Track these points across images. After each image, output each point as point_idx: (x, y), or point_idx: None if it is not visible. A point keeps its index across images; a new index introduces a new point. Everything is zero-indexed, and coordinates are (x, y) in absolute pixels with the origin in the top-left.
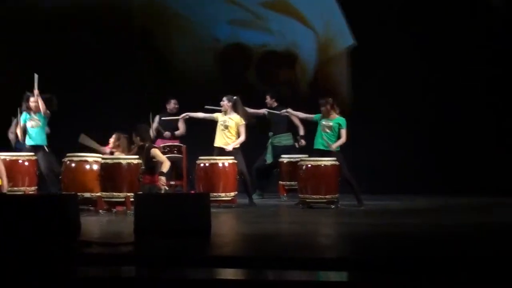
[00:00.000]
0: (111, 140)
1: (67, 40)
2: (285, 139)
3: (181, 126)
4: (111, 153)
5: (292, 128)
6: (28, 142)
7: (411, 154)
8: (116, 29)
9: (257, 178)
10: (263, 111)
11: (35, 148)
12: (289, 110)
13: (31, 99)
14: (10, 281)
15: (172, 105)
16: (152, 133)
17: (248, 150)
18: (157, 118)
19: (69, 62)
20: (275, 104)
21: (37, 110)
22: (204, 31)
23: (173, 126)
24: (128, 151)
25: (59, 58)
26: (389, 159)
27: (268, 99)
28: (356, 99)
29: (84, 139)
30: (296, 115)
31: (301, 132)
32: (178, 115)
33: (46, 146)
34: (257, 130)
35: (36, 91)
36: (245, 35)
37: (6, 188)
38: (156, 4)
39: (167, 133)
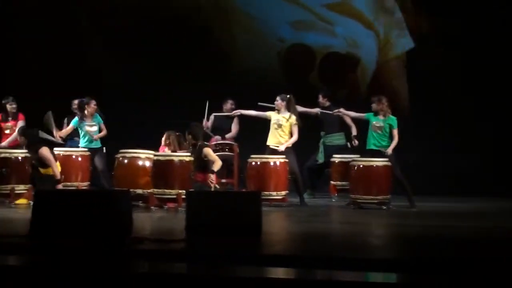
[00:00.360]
0: (163, 138)
1: (127, 38)
2: (337, 138)
3: (234, 128)
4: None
5: (345, 128)
6: (87, 146)
7: (466, 156)
8: (176, 25)
9: (309, 177)
10: (316, 110)
11: (94, 150)
12: (341, 109)
13: (91, 104)
14: (63, 276)
15: (228, 105)
16: (207, 131)
17: (300, 150)
18: (212, 117)
19: (127, 59)
20: (328, 103)
21: (93, 114)
22: (267, 30)
23: (227, 125)
24: (179, 148)
25: (117, 56)
26: (443, 161)
27: (321, 99)
28: (414, 102)
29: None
30: (348, 115)
31: (354, 132)
32: (229, 119)
33: (103, 147)
34: (308, 130)
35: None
36: (308, 36)
37: (58, 175)
38: (220, 2)
39: (217, 137)
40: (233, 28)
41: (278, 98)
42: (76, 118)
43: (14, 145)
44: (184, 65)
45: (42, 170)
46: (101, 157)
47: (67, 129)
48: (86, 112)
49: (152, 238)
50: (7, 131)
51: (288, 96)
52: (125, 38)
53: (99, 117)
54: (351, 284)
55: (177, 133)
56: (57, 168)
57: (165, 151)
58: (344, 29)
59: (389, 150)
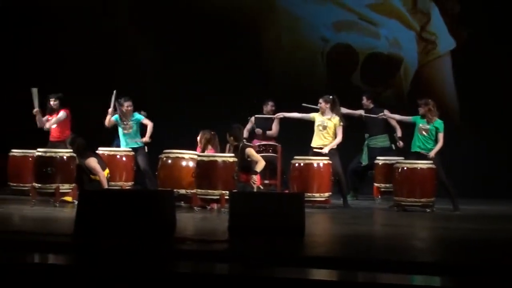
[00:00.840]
0: (198, 138)
1: (169, 38)
2: (381, 140)
3: (275, 128)
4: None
5: (389, 130)
6: (126, 146)
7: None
8: (220, 26)
9: (352, 179)
10: (359, 112)
11: (134, 150)
12: (386, 112)
13: (125, 105)
14: (106, 275)
15: (269, 107)
16: (246, 133)
17: (344, 151)
18: (252, 118)
19: (170, 60)
20: (372, 105)
21: (129, 114)
22: (310, 31)
23: (267, 126)
24: (214, 148)
25: (162, 57)
26: (488, 163)
27: (365, 100)
28: (461, 103)
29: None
30: (393, 118)
31: (398, 133)
32: (269, 119)
33: (145, 146)
34: (352, 131)
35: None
36: (350, 37)
37: (105, 184)
38: (264, 2)
39: (258, 130)
40: (277, 28)
41: (321, 100)
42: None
43: (64, 139)
44: (227, 66)
45: (92, 176)
46: (143, 156)
47: (108, 118)
48: (121, 112)
49: (195, 239)
50: (53, 126)
51: (331, 97)
52: (168, 39)
53: (137, 115)
54: (394, 286)
55: (212, 132)
56: (104, 177)
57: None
58: (386, 29)
59: (432, 154)
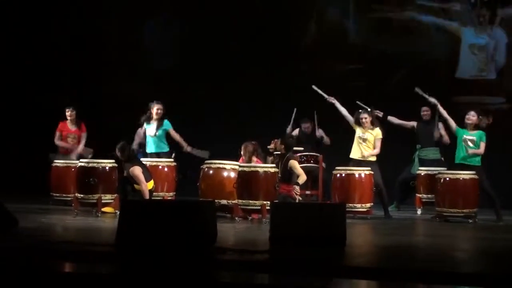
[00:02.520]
0: (242, 151)
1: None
2: (432, 153)
3: (327, 138)
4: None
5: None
6: (155, 150)
7: None
8: (255, 39)
9: (399, 190)
10: (412, 123)
11: (159, 155)
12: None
13: (154, 107)
14: (148, 284)
15: (307, 126)
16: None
17: (393, 161)
18: (298, 130)
19: (211, 72)
20: (429, 117)
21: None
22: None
23: (311, 140)
24: (260, 159)
25: (198, 70)
26: None
27: (424, 112)
28: None
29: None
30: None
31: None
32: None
33: (171, 151)
34: (403, 142)
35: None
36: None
37: (146, 195)
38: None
39: (320, 131)
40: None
41: (363, 115)
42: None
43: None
44: (266, 76)
45: (135, 186)
46: None
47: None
48: (150, 114)
49: (236, 249)
50: (69, 139)
51: (370, 110)
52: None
53: (167, 123)
54: None
55: (253, 142)
56: (146, 187)
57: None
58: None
59: (470, 151)
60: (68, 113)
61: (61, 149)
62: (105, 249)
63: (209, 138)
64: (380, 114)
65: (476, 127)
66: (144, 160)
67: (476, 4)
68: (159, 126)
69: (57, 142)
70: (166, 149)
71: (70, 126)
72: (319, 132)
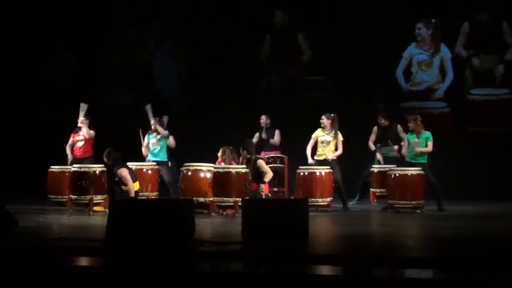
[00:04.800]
0: (219, 153)
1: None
2: (390, 150)
3: (277, 137)
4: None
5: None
6: (152, 159)
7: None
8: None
9: (363, 184)
10: (374, 132)
11: (159, 163)
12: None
13: (152, 121)
14: (135, 275)
15: (264, 120)
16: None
17: (354, 160)
18: (257, 134)
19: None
20: (387, 123)
21: (159, 133)
22: None
23: (270, 136)
24: (234, 161)
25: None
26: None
27: (383, 121)
28: None
29: (147, 110)
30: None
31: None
32: (272, 130)
33: (168, 161)
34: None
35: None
36: None
37: (132, 193)
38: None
39: (264, 135)
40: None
41: (323, 117)
42: (151, 134)
43: (87, 156)
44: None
45: (123, 187)
46: (167, 169)
47: (144, 144)
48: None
49: (213, 241)
50: (79, 144)
51: (332, 115)
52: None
53: (163, 138)
54: (390, 279)
55: (230, 147)
56: (133, 186)
57: (221, 164)
58: None
59: (418, 150)
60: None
61: (73, 154)
62: (96, 244)
63: (189, 143)
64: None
65: (419, 130)
66: (129, 164)
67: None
68: (159, 138)
69: (67, 149)
70: (166, 159)
71: (79, 132)
72: (264, 135)
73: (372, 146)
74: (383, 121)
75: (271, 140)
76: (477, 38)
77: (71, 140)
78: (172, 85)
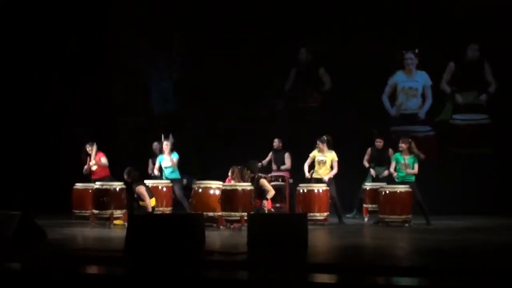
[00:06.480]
0: (229, 172)
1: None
2: (383, 170)
3: (287, 161)
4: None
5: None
6: (168, 177)
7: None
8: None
9: (360, 199)
10: (368, 153)
11: (173, 181)
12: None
13: (165, 142)
14: (152, 281)
15: (276, 143)
16: (260, 164)
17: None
18: (270, 153)
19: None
20: (381, 146)
21: (167, 152)
22: None
23: (281, 160)
24: (242, 180)
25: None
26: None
27: (378, 142)
28: None
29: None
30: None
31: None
32: (281, 153)
33: (182, 179)
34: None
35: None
36: None
37: (149, 208)
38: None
39: (274, 167)
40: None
41: (318, 141)
42: (161, 156)
43: (104, 176)
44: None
45: (140, 203)
46: (180, 186)
47: (156, 166)
48: (162, 150)
49: (221, 251)
50: (94, 168)
51: (326, 138)
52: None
53: (176, 154)
54: (381, 287)
55: (238, 167)
56: (149, 202)
57: (231, 182)
58: None
59: (409, 171)
60: (88, 149)
61: (93, 176)
62: (116, 254)
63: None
64: (374, 173)
65: (408, 152)
66: (146, 181)
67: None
68: (171, 158)
69: (85, 170)
70: (178, 176)
71: (92, 157)
72: (264, 163)
73: (366, 164)
74: (379, 144)
75: (282, 167)
76: (461, 76)
77: (86, 167)
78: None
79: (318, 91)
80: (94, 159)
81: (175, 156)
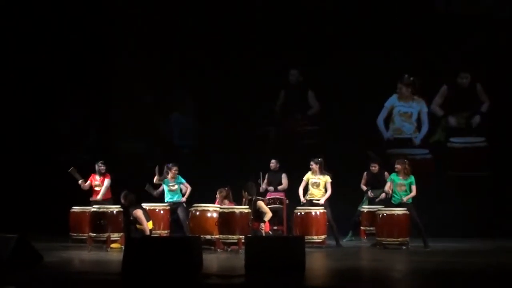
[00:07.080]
0: (217, 195)
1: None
2: (380, 193)
3: (284, 181)
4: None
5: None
6: (171, 200)
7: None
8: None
9: (356, 222)
10: (364, 178)
11: (176, 204)
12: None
13: (172, 169)
14: None
15: (273, 164)
16: (261, 188)
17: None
18: (267, 175)
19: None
20: (376, 171)
21: (174, 177)
22: None
23: (277, 180)
24: (227, 201)
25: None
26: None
27: (373, 167)
28: None
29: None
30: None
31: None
32: (278, 174)
33: (184, 202)
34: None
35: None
36: None
37: (147, 232)
38: None
39: (270, 188)
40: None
41: (312, 162)
42: (167, 179)
43: (106, 198)
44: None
45: (138, 226)
46: (183, 210)
47: (159, 191)
48: (169, 175)
49: (218, 274)
50: (97, 188)
51: (320, 159)
52: None
53: (181, 178)
54: None
55: (225, 188)
56: (147, 226)
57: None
58: None
59: (405, 199)
60: (101, 167)
61: (93, 196)
62: (113, 277)
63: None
64: (371, 194)
65: (406, 173)
66: (144, 204)
67: (403, 79)
68: (176, 182)
69: (84, 186)
70: (180, 198)
71: (97, 176)
72: (264, 187)
73: (364, 187)
74: (374, 169)
75: (279, 187)
76: (454, 100)
77: (88, 182)
78: (184, 134)
79: (305, 115)
80: (100, 179)
81: (181, 180)
